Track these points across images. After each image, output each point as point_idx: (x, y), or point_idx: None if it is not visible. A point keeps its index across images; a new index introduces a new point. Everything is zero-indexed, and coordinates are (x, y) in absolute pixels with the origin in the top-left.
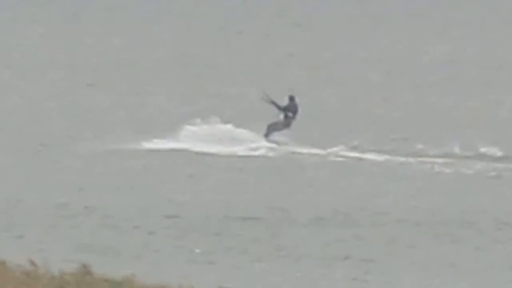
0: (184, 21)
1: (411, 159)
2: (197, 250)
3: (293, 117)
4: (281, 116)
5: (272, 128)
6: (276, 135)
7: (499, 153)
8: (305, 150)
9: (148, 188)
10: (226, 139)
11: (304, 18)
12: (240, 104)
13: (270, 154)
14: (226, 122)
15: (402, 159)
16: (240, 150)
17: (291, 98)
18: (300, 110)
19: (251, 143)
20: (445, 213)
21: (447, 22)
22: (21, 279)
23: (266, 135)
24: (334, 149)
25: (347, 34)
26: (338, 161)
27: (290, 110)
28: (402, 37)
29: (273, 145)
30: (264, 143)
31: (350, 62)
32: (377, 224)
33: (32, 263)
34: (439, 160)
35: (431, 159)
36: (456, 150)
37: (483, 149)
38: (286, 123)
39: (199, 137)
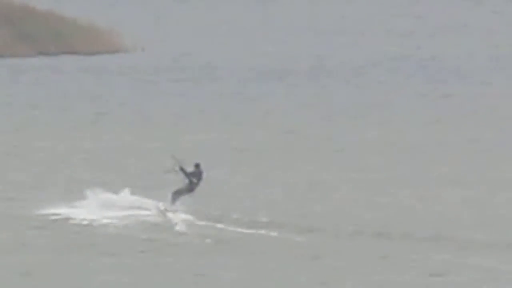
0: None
1: None
2: None
3: (197, 184)
4: (186, 181)
5: (176, 195)
6: (179, 202)
7: None
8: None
9: None
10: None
11: None
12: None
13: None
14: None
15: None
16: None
17: (197, 165)
18: (204, 176)
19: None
20: None
21: None
22: None
23: (172, 202)
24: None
25: None
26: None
27: (195, 176)
28: None
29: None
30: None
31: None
32: None
33: None
34: None
35: None
36: None
37: None
38: (190, 189)
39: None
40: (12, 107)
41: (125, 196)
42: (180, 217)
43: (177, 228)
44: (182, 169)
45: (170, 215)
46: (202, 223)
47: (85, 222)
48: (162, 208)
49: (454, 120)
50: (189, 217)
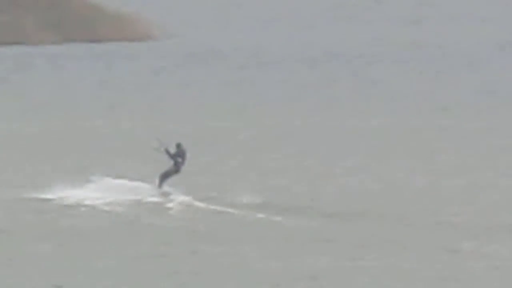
0: None
1: None
2: None
3: (182, 163)
4: (171, 163)
5: (163, 177)
6: (167, 184)
7: None
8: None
9: None
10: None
11: None
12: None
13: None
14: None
15: None
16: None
17: (178, 145)
18: (188, 155)
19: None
20: None
21: None
22: None
23: (160, 185)
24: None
25: None
26: None
27: (179, 156)
28: None
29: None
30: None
31: None
32: None
33: None
34: None
35: None
36: None
37: None
38: (176, 169)
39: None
40: (26, 93)
41: (124, 181)
42: (175, 200)
43: (172, 212)
44: (166, 151)
45: (163, 198)
46: (200, 205)
47: (84, 208)
48: (156, 191)
49: (461, 107)
50: (187, 200)
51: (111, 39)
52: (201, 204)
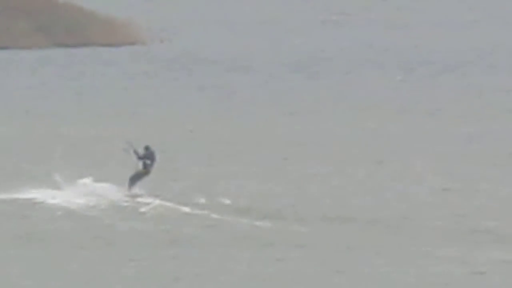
0: None
1: None
2: None
3: (151, 164)
4: (140, 165)
5: (134, 180)
6: (137, 186)
7: None
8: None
9: None
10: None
11: None
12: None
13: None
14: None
15: None
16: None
17: (147, 148)
18: (157, 157)
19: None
20: None
21: None
22: None
23: (130, 188)
24: None
25: None
26: None
27: (148, 158)
28: None
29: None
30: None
31: None
32: None
33: None
34: None
35: None
36: None
37: None
38: (146, 171)
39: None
40: (9, 97)
41: (102, 184)
42: (155, 204)
43: (153, 216)
44: (135, 152)
45: (134, 200)
46: (181, 209)
47: (63, 212)
48: (127, 194)
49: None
50: (168, 204)
51: (101, 44)
52: (183, 208)
